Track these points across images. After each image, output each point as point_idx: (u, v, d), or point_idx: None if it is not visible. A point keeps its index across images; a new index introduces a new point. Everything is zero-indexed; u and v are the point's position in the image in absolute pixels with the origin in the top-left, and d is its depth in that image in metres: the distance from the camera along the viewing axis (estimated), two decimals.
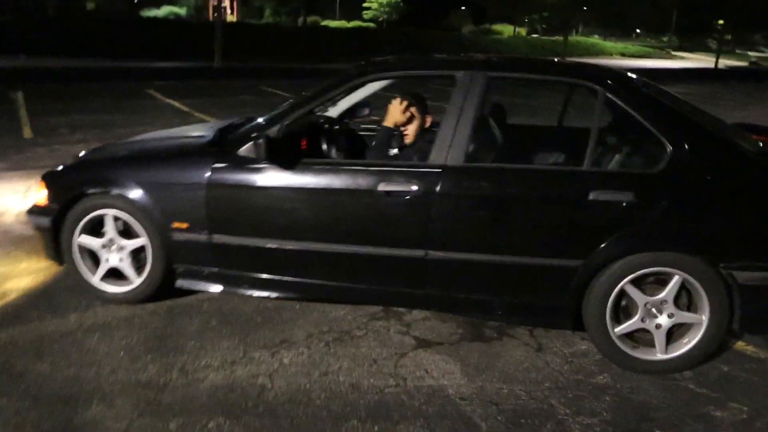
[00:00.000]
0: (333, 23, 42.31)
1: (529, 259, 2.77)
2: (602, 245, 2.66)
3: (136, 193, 3.03)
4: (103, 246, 3.16)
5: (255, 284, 3.08)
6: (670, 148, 2.66)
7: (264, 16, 43.03)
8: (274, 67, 19.15)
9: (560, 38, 42.87)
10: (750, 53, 52.76)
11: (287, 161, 2.85)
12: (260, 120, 3.02)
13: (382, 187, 2.76)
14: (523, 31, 55.32)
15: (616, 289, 2.68)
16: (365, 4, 47.68)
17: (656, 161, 2.69)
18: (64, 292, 3.35)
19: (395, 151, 4.05)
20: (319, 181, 2.85)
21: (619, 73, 3.13)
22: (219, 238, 3.01)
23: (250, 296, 3.15)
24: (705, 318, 2.66)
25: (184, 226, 3.01)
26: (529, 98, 11.63)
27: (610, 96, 2.76)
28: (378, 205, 2.79)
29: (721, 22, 44.97)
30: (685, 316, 2.70)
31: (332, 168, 2.92)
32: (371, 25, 44.72)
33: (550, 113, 4.10)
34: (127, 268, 3.15)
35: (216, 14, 20.17)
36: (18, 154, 6.63)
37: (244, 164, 2.89)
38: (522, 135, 4.13)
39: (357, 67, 3.08)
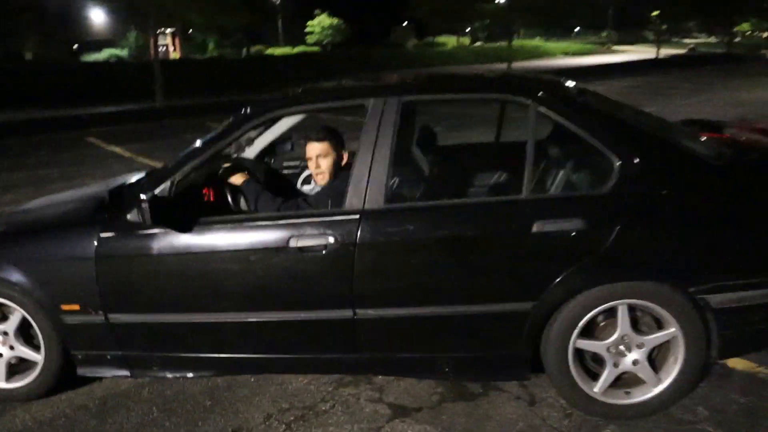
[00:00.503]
0: (278, 50, 42.29)
1: (472, 308, 2.51)
2: (555, 282, 2.41)
3: (16, 276, 2.72)
4: None
5: (167, 365, 2.83)
6: (617, 162, 2.40)
7: (207, 50, 42.80)
8: (220, 102, 18.86)
9: (504, 44, 43.55)
10: (685, 41, 54.39)
11: (180, 223, 2.56)
12: (149, 176, 2.86)
13: (294, 242, 2.50)
14: (466, 40, 56.08)
15: (574, 335, 2.46)
16: (307, 29, 47.82)
17: (604, 179, 2.44)
18: None
19: (308, 187, 4.02)
20: (222, 241, 2.58)
21: (550, 82, 2.91)
22: (117, 318, 2.73)
23: (165, 378, 2.94)
24: (678, 329, 2.45)
25: (75, 307, 2.72)
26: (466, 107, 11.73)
27: (542, 110, 2.49)
28: (292, 263, 2.53)
29: (655, 13, 46.38)
30: (658, 337, 2.48)
31: (234, 225, 2.61)
32: (316, 49, 44.83)
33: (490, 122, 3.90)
34: (13, 359, 2.89)
35: (155, 53, 19.89)
36: None
37: (134, 231, 2.60)
38: (455, 158, 3.92)
39: (255, 105, 2.82)
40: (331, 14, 47.56)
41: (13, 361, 2.92)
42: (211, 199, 3.08)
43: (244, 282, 2.61)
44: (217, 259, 2.61)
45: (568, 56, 47.85)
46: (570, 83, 2.93)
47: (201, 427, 2.72)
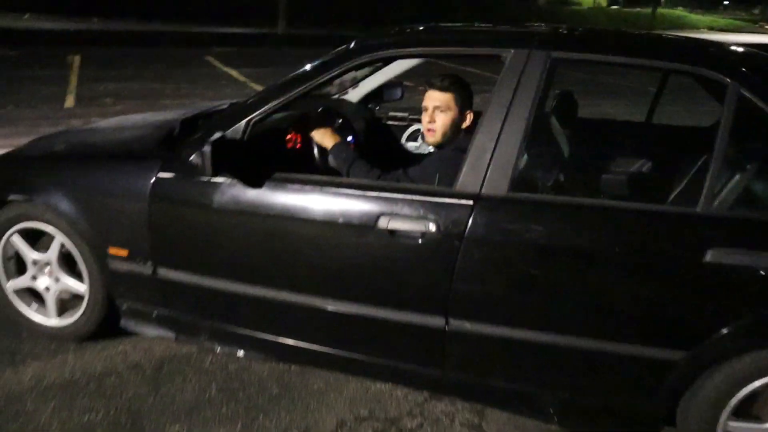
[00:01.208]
0: None
1: (601, 344, 1.92)
2: (720, 333, 1.81)
3: (64, 204, 2.34)
4: (34, 263, 2.59)
5: (217, 337, 2.43)
6: None
7: None
8: (343, 35, 18.59)
9: (645, 10, 40.42)
10: None
11: (247, 174, 2.11)
12: (224, 112, 2.37)
13: (385, 222, 1.98)
14: (603, 1, 52.41)
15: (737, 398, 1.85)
16: None
17: None
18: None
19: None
20: (295, 205, 2.08)
21: (756, 57, 2.14)
22: (166, 273, 2.33)
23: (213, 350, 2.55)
24: None
25: (124, 253, 2.33)
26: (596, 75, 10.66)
27: (747, 94, 1.82)
28: (379, 248, 2.01)
29: None
30: None
31: (314, 187, 2.09)
32: None
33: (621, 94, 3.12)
34: (51, 300, 2.61)
35: None
36: (51, 126, 6.40)
37: (194, 176, 2.15)
38: (600, 138, 3.17)
39: (359, 42, 2.28)
40: None
41: (63, 296, 2.63)
42: (297, 146, 2.57)
43: (317, 260, 2.12)
44: (286, 226, 2.12)
45: (714, 31, 43.77)
46: None
47: (261, 421, 2.27)
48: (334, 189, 2.07)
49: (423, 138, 2.46)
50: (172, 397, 2.39)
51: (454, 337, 2.03)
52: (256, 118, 2.15)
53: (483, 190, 1.93)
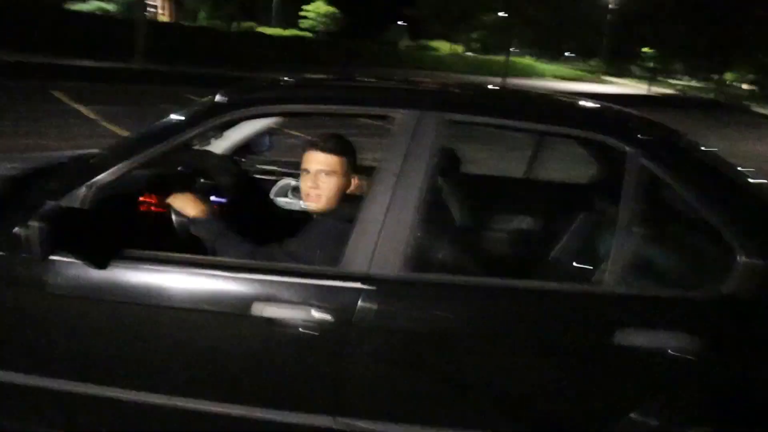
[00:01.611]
0: (269, 30, 41.18)
1: None
2: (629, 418, 1.71)
3: None
4: None
5: None
6: (742, 255, 1.69)
7: (198, 19, 41.49)
8: (202, 73, 17.99)
9: (498, 57, 43.21)
10: (670, 80, 54.73)
11: (91, 254, 1.78)
12: (61, 172, 2.04)
13: (259, 309, 1.73)
14: (459, 48, 55.51)
15: None
16: (302, 13, 46.76)
17: (715, 274, 1.76)
18: None
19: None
20: (151, 290, 1.79)
21: (652, 123, 2.14)
22: None
23: None
24: None
25: None
26: None
27: (647, 164, 1.77)
28: (252, 340, 1.78)
29: (646, 50, 46.58)
30: None
31: (173, 268, 1.80)
32: (308, 34, 43.75)
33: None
34: None
35: (141, 11, 18.82)
36: None
37: (22, 254, 1.73)
38: (494, 199, 3.00)
39: (228, 96, 2.02)
40: (328, 2, 46.56)
41: None
42: (152, 209, 2.29)
43: (180, 355, 1.84)
44: (142, 315, 1.82)
45: (558, 79, 47.69)
46: (671, 128, 2.19)
47: None
48: (197, 269, 1.80)
49: (304, 202, 2.21)
50: None
51: None
52: (102, 181, 1.84)
53: (372, 269, 1.74)
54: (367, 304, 1.71)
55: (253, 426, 1.86)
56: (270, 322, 1.74)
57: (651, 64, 47.08)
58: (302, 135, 9.65)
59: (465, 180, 2.86)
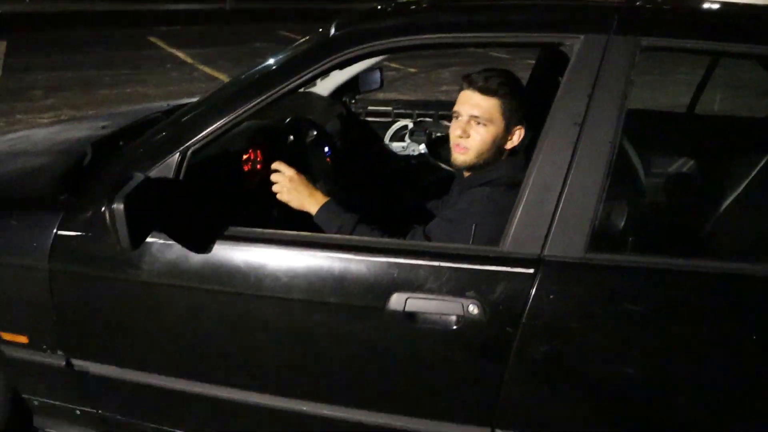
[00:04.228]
0: None
1: None
2: None
3: None
4: None
5: None
6: None
7: None
8: (296, 8, 17.60)
9: None
10: None
11: (188, 234, 1.46)
12: (148, 141, 1.63)
13: (399, 302, 1.36)
14: None
15: None
16: None
17: None
18: None
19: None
20: (262, 278, 1.43)
21: None
22: (85, 366, 1.67)
23: None
24: None
25: (22, 339, 1.66)
26: None
27: None
28: (389, 338, 1.41)
29: None
30: None
31: (292, 250, 1.44)
32: None
33: None
34: None
35: None
36: None
37: (108, 235, 1.39)
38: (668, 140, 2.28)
39: (346, 28, 1.55)
40: None
41: None
42: (258, 167, 1.91)
43: (298, 354, 1.50)
44: (251, 307, 1.48)
45: None
46: None
47: None
48: (319, 251, 1.42)
49: (454, 154, 1.72)
50: None
51: None
52: (198, 144, 1.47)
53: (548, 250, 1.30)
54: (542, 296, 1.27)
55: None
56: (412, 317, 1.35)
57: None
58: (401, 67, 9.17)
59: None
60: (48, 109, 6.28)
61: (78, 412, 1.80)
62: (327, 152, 2.19)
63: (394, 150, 2.80)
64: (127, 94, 7.05)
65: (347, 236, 1.49)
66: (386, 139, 2.85)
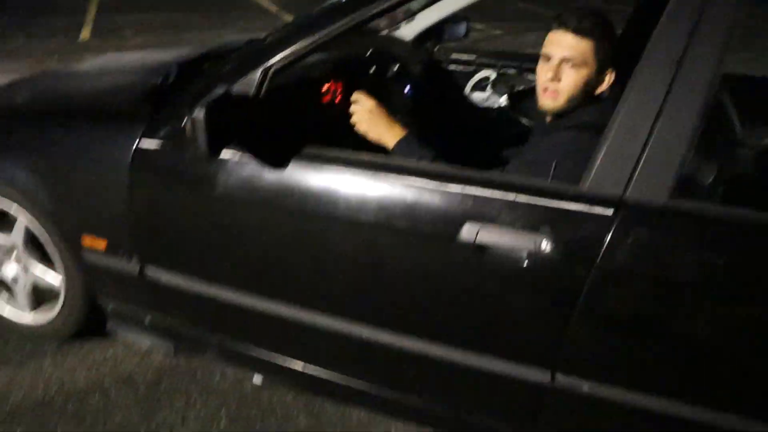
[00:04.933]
0: None
1: None
2: None
3: (21, 177, 1.76)
4: None
5: (227, 356, 1.86)
6: None
7: None
8: None
9: None
10: None
11: (265, 150, 1.47)
12: (233, 57, 1.65)
13: (471, 233, 1.32)
14: None
15: None
16: None
17: None
18: None
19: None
20: (333, 199, 1.43)
21: None
22: (157, 274, 1.73)
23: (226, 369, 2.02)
24: None
25: (101, 244, 1.74)
26: None
27: None
28: (457, 270, 1.38)
29: None
30: None
31: (365, 173, 1.42)
32: None
33: None
34: (21, 292, 2.08)
35: None
36: (62, 61, 5.79)
37: (188, 148, 1.49)
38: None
39: None
40: None
41: (40, 287, 2.06)
42: (337, 99, 1.89)
43: (366, 277, 1.49)
44: (320, 227, 1.48)
45: None
46: None
47: None
48: (395, 176, 1.40)
49: (540, 99, 1.60)
50: (170, 427, 1.84)
51: (563, 399, 1.40)
52: (278, 65, 1.47)
53: (629, 193, 1.23)
54: (620, 239, 1.21)
55: (448, 366, 1.49)
56: (482, 250, 1.31)
57: None
58: (485, 28, 8.94)
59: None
60: (136, 48, 6.47)
61: (147, 319, 1.88)
62: (408, 92, 2.16)
63: (475, 100, 2.73)
64: (211, 38, 7.18)
65: (422, 163, 1.45)
66: (467, 89, 2.78)
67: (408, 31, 2.69)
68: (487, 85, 2.72)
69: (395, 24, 2.74)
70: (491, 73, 2.71)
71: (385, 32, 2.73)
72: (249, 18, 8.83)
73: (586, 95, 1.53)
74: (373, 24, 2.68)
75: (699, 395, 1.30)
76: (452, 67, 2.77)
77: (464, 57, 2.74)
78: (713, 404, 1.29)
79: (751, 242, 1.21)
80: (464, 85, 2.76)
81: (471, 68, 2.74)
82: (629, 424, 1.40)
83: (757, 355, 1.23)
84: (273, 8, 9.81)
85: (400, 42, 2.65)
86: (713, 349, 1.26)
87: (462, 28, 2.76)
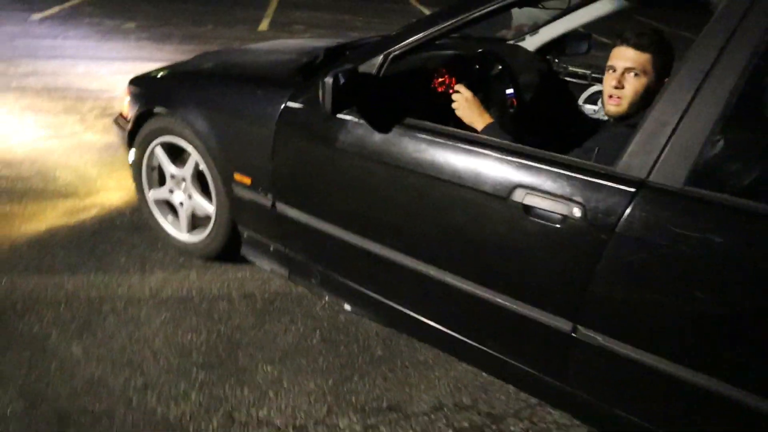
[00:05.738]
0: None
1: None
2: None
3: (199, 122, 2.28)
4: (172, 177, 2.60)
5: (327, 284, 2.26)
6: None
7: None
8: None
9: None
10: None
11: (375, 117, 1.86)
12: (364, 46, 2.08)
13: (520, 195, 1.61)
14: None
15: None
16: None
17: None
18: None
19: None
20: (420, 159, 1.77)
21: None
22: (284, 209, 2.17)
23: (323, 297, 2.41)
24: None
25: (247, 180, 2.22)
26: None
27: None
28: (506, 225, 1.65)
29: None
30: None
31: (445, 141, 1.75)
32: None
33: None
34: (183, 215, 2.64)
35: None
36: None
37: (320, 109, 1.83)
38: None
39: None
40: None
41: (197, 213, 2.64)
42: (450, 90, 2.25)
43: (433, 224, 1.82)
44: (408, 180, 1.82)
45: None
46: None
47: (355, 382, 2.09)
48: (467, 145, 1.72)
49: (604, 106, 1.95)
50: (274, 335, 2.29)
51: (582, 348, 1.65)
52: (396, 52, 1.83)
53: (651, 177, 1.46)
54: (638, 213, 1.45)
55: (495, 311, 1.78)
56: (527, 210, 1.60)
57: None
58: (609, 42, 8.83)
59: None
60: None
61: (272, 248, 2.35)
62: (510, 93, 2.47)
63: (586, 111, 2.96)
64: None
65: (489, 137, 1.78)
66: (580, 101, 3.02)
67: (531, 42, 2.99)
68: (598, 99, 2.95)
69: (521, 35, 3.05)
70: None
71: (511, 42, 3.05)
72: (407, 21, 9.37)
73: (645, 101, 1.78)
74: (500, 33, 3.02)
75: (696, 359, 1.48)
76: (569, 78, 3.02)
77: (579, 71, 2.99)
78: (708, 369, 1.47)
79: (748, 230, 1.39)
80: (578, 97, 3.01)
81: (585, 82, 2.98)
82: (647, 382, 1.59)
83: (754, 326, 1.41)
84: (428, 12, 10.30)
85: (523, 52, 2.95)
86: (711, 322, 1.44)
87: (584, 45, 3.02)
